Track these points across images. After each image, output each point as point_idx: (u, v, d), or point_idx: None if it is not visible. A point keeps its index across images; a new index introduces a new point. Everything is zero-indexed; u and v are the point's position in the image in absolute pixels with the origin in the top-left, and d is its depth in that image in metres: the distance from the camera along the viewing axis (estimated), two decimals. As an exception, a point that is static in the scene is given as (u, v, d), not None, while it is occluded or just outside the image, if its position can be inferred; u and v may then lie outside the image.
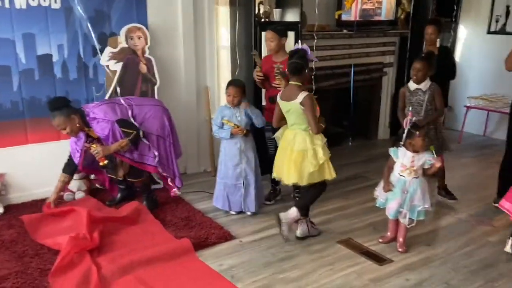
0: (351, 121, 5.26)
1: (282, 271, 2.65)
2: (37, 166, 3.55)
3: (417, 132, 2.75)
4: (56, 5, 3.36)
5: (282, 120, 3.05)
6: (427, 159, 2.79)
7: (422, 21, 4.71)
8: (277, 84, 3.28)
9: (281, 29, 3.38)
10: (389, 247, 2.93)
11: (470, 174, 4.42)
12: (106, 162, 3.18)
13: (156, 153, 3.28)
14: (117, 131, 3.16)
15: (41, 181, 3.54)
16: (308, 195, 3.04)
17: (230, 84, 3.29)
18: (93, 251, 2.74)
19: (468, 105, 5.56)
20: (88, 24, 3.42)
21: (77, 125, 3.14)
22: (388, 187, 2.86)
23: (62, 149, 3.55)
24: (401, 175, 2.81)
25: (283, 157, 2.96)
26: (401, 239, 2.90)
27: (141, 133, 3.22)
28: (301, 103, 2.80)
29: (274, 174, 3.09)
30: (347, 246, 2.94)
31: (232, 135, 3.26)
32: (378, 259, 2.79)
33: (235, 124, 3.23)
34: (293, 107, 2.85)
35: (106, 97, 3.65)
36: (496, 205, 3.56)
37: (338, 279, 2.57)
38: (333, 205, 3.61)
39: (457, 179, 4.20)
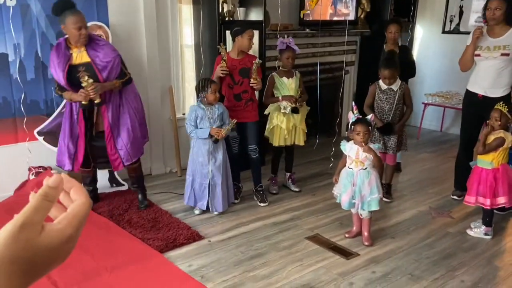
0: (316, 119, 5.35)
1: (252, 269, 2.66)
2: (-7, 171, 3.39)
3: (353, 127, 2.82)
4: (12, 3, 3.21)
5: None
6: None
7: (381, 20, 4.86)
8: (254, 83, 3.30)
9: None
10: (355, 241, 3.01)
11: (428, 168, 4.60)
12: (99, 100, 2.97)
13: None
14: (116, 65, 3.03)
15: (-3, 186, 3.39)
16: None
17: (212, 81, 3.26)
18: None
19: (425, 102, 5.79)
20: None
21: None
22: (335, 178, 3.01)
23: (20, 152, 3.43)
24: (349, 168, 2.90)
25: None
26: (366, 233, 2.98)
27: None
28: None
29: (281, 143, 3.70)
30: (315, 242, 3.00)
31: (210, 135, 3.23)
32: (345, 253, 2.86)
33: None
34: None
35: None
36: (454, 197, 3.74)
37: (307, 275, 2.61)
38: (300, 202, 3.66)
39: (416, 173, 4.37)
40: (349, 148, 2.89)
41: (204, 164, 3.30)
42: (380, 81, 3.48)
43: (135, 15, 3.83)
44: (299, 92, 3.67)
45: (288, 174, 3.94)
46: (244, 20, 4.12)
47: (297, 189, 3.88)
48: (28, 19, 3.31)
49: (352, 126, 2.84)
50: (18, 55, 3.33)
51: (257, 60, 3.29)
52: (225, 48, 3.38)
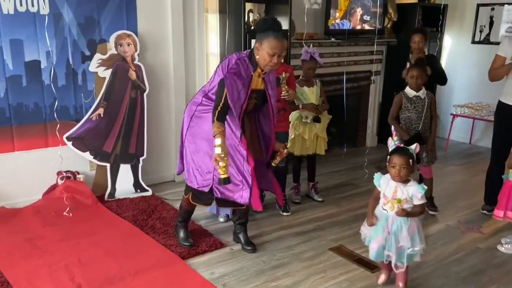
0: (340, 129, 5.30)
1: (274, 279, 2.63)
2: (23, 174, 3.48)
3: (389, 157, 2.32)
4: (45, 11, 3.31)
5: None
6: (415, 192, 2.29)
7: (408, 30, 4.80)
8: (285, 95, 3.28)
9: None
10: (380, 254, 2.93)
11: (457, 181, 4.48)
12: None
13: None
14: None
15: (27, 190, 3.48)
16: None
17: None
18: (71, 262, 2.68)
19: (454, 113, 5.66)
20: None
21: None
22: (371, 221, 2.42)
23: (49, 157, 3.51)
24: (383, 208, 2.38)
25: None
26: (400, 284, 2.48)
27: None
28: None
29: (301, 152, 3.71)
30: (338, 254, 2.94)
31: None
32: (370, 266, 2.79)
33: None
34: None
35: (95, 104, 3.62)
36: (484, 212, 3.62)
37: (330, 287, 2.56)
38: (324, 212, 3.61)
39: (444, 187, 4.25)
40: (385, 184, 2.37)
41: None
42: (406, 89, 3.41)
43: (163, 24, 3.89)
44: (321, 101, 3.65)
45: (311, 183, 3.90)
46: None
47: (320, 199, 3.83)
48: (60, 27, 3.41)
49: (388, 157, 2.36)
50: (50, 62, 3.43)
51: (284, 74, 3.28)
52: None
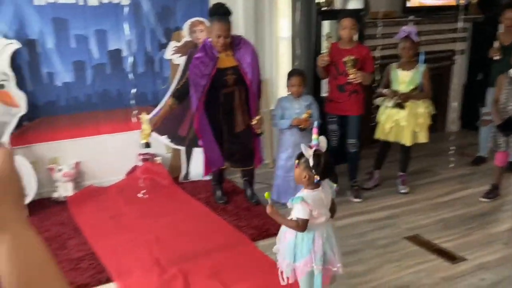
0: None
1: (346, 265, 2.55)
2: (108, 156, 3.74)
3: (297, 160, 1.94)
4: (126, 2, 3.49)
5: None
6: (294, 215, 1.94)
7: (497, 5, 4.37)
8: (352, 78, 3.18)
9: (357, 16, 3.35)
10: (461, 245, 2.76)
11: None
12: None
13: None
14: (257, 66, 3.07)
15: (112, 170, 3.73)
16: None
17: (293, 74, 3.23)
18: (150, 239, 2.85)
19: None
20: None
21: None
22: None
23: (131, 139, 3.72)
24: None
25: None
26: None
27: None
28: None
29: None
30: (414, 243, 2.81)
31: (292, 126, 3.21)
32: (450, 257, 2.64)
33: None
34: None
35: (170, 90, 3.76)
36: None
37: (406, 276, 2.46)
38: (399, 200, 3.47)
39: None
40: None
41: (289, 157, 3.23)
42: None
43: (234, 9, 3.83)
44: (416, 87, 3.39)
45: (399, 173, 3.68)
46: (341, 10, 3.98)
47: (403, 191, 3.59)
48: (139, 16, 3.58)
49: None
50: (130, 51, 3.62)
51: (347, 58, 3.14)
52: (332, 38, 3.30)
